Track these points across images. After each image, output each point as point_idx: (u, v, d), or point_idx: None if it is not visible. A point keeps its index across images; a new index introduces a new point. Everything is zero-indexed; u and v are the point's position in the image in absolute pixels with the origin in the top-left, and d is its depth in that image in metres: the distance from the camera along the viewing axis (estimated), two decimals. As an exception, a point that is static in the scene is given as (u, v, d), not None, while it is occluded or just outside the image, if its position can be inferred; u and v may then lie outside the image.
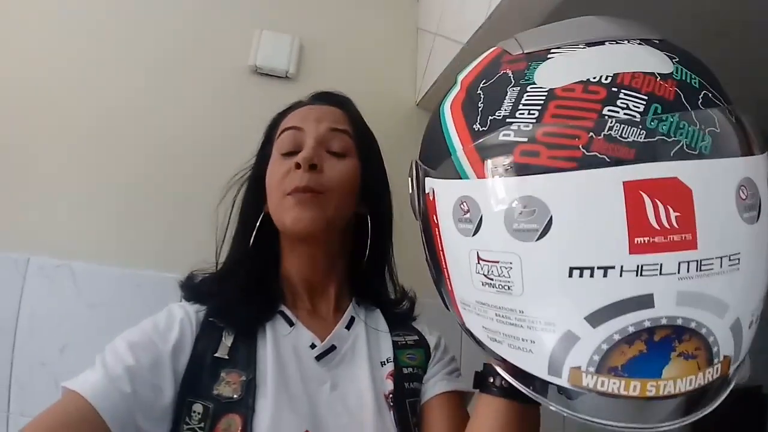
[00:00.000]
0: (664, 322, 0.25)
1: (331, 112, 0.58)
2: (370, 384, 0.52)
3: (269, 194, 0.55)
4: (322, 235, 0.54)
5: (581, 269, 0.26)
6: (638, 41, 0.31)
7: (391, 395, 0.52)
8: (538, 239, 0.28)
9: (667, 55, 0.30)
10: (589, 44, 0.31)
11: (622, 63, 0.29)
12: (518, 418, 0.40)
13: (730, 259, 0.25)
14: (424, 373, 0.56)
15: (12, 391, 0.76)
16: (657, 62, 0.29)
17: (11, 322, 0.79)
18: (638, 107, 0.27)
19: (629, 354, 0.26)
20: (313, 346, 0.53)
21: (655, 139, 0.26)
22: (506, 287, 0.29)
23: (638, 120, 0.27)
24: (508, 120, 0.31)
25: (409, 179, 0.41)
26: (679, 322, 0.25)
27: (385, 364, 0.55)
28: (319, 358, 0.53)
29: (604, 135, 0.27)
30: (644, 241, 0.25)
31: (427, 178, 0.37)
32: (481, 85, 0.35)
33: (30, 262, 0.82)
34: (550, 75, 0.31)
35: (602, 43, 0.31)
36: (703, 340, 0.26)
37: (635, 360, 0.26)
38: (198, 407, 0.46)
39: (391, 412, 0.51)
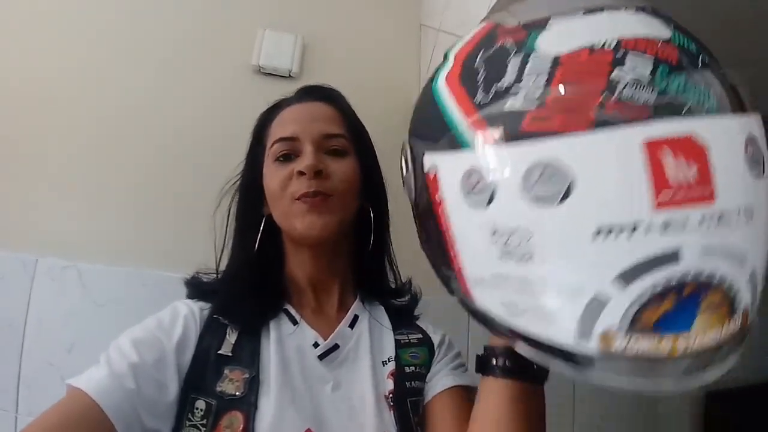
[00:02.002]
0: (691, 275, 0.25)
1: (321, 112, 0.57)
2: (371, 383, 0.52)
3: (272, 199, 0.55)
4: (332, 237, 0.53)
5: (607, 230, 0.26)
6: (633, 9, 0.32)
7: (391, 395, 0.51)
8: (558, 204, 0.27)
9: (663, 22, 0.31)
10: (587, 12, 0.32)
11: (623, 28, 0.30)
12: (524, 398, 0.40)
13: (745, 212, 0.26)
14: (428, 371, 0.55)
15: (20, 391, 0.76)
16: (656, 28, 0.30)
17: (20, 322, 0.79)
18: (646, 69, 0.27)
19: (660, 311, 0.26)
20: (316, 345, 0.53)
21: (667, 98, 0.26)
22: (527, 256, 0.28)
23: (647, 81, 0.27)
24: (513, 89, 0.30)
25: (402, 160, 0.40)
26: (706, 274, 0.25)
27: (386, 363, 0.54)
28: (322, 357, 0.53)
29: (617, 96, 0.27)
30: (668, 197, 0.25)
31: (426, 155, 0.35)
32: (479, 58, 0.34)
33: (38, 264, 0.82)
34: (554, 42, 0.30)
35: (601, 10, 0.32)
36: (726, 291, 0.26)
37: (666, 316, 0.26)
38: (201, 404, 0.46)
39: (392, 411, 0.50)
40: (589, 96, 0.27)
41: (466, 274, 0.33)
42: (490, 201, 0.30)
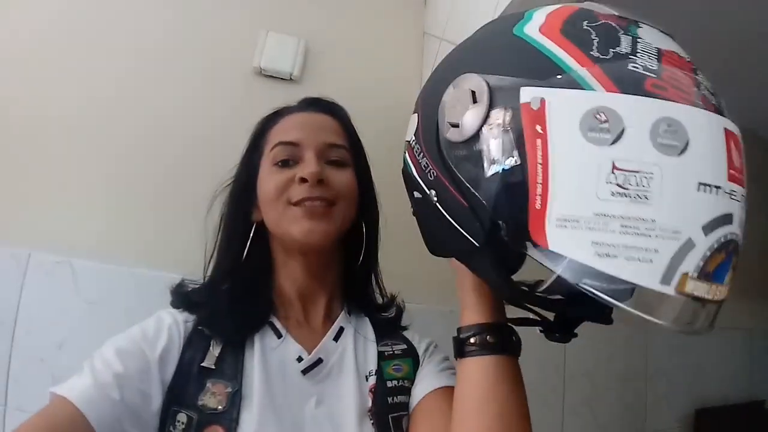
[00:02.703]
0: (736, 235, 0.32)
1: (325, 123, 0.57)
2: (354, 399, 0.51)
3: (266, 205, 0.54)
4: (329, 245, 0.53)
5: (705, 185, 0.31)
6: (659, 29, 0.38)
7: (370, 412, 0.51)
8: (678, 155, 0.31)
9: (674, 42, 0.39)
10: (641, 23, 0.37)
11: (671, 44, 0.37)
12: (506, 370, 0.41)
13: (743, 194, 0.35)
14: (412, 384, 0.54)
15: (9, 386, 0.77)
16: (677, 47, 0.37)
17: (10, 317, 0.79)
18: (708, 80, 0.35)
19: (717, 261, 0.32)
20: (299, 359, 0.52)
21: (717, 102, 0.34)
22: (643, 196, 0.31)
23: (711, 87, 0.35)
24: (631, 56, 0.34)
25: (471, 93, 0.37)
26: (737, 238, 0.33)
27: (368, 378, 0.54)
28: (305, 371, 0.52)
29: (703, 90, 0.34)
30: (733, 173, 0.32)
31: (524, 89, 0.34)
32: (584, 24, 0.37)
33: (30, 258, 0.81)
34: (651, 37, 0.36)
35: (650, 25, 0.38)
36: (738, 254, 0.34)
37: (719, 266, 0.32)
38: (182, 417, 0.46)
39: (373, 428, 0.50)
40: (690, 84, 0.34)
41: (553, 212, 0.33)
42: (616, 140, 0.31)
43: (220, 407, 0.46)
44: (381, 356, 0.55)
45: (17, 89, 0.86)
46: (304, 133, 0.54)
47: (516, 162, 0.34)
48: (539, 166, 0.33)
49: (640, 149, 0.31)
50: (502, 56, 0.39)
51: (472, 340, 0.42)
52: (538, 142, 0.33)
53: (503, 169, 0.35)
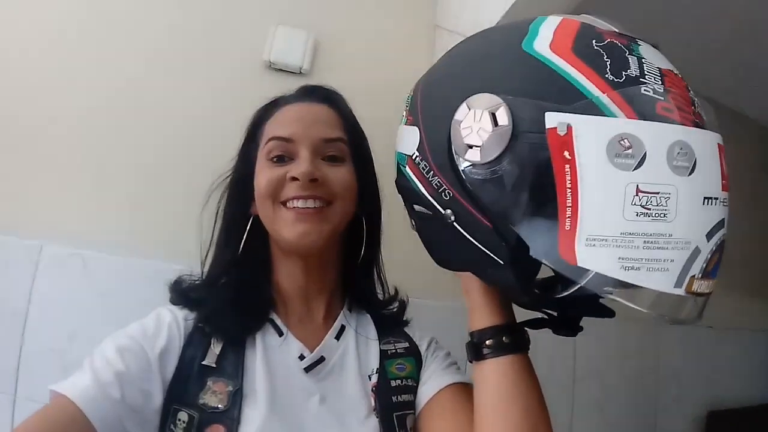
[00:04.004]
0: (725, 234, 0.38)
1: (322, 115, 0.54)
2: (357, 397, 0.51)
3: (259, 200, 0.53)
4: (325, 246, 0.52)
5: (708, 198, 0.36)
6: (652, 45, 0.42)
7: (374, 410, 0.51)
8: (688, 174, 0.35)
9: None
10: (639, 41, 0.40)
11: (665, 62, 0.40)
12: (522, 368, 0.43)
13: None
14: (416, 383, 0.54)
15: (20, 376, 0.78)
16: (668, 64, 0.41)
17: (22, 307, 0.81)
18: (698, 99, 0.39)
19: (715, 260, 0.37)
20: (302, 357, 0.52)
21: (708, 116, 0.39)
22: (662, 215, 0.34)
23: (703, 107, 0.39)
24: (641, 79, 0.36)
25: (490, 116, 0.38)
26: (724, 239, 0.38)
27: (371, 376, 0.53)
28: (307, 369, 0.51)
29: (697, 108, 0.38)
30: (724, 183, 0.37)
31: (549, 114, 0.36)
32: (594, 43, 0.38)
33: (43, 250, 0.82)
34: (651, 56, 0.39)
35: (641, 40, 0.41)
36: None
37: (715, 265, 0.37)
38: (183, 415, 0.46)
39: (378, 426, 0.50)
40: (688, 103, 0.37)
41: (583, 232, 0.36)
42: (638, 165, 0.34)
43: (221, 406, 0.46)
44: (384, 355, 0.55)
45: (31, 82, 0.86)
46: (299, 128, 0.52)
47: (544, 186, 0.36)
48: (568, 191, 0.35)
49: (659, 172, 0.34)
50: (517, 75, 0.40)
51: (488, 343, 0.43)
52: (567, 167, 0.35)
53: (531, 194, 0.37)
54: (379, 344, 0.55)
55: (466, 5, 0.97)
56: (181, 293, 0.53)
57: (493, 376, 0.42)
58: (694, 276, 0.36)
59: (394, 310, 0.61)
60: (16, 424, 0.41)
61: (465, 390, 0.52)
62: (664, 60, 0.40)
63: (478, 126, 0.39)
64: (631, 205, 0.34)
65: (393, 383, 0.53)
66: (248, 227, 0.53)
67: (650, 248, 0.35)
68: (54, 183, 0.86)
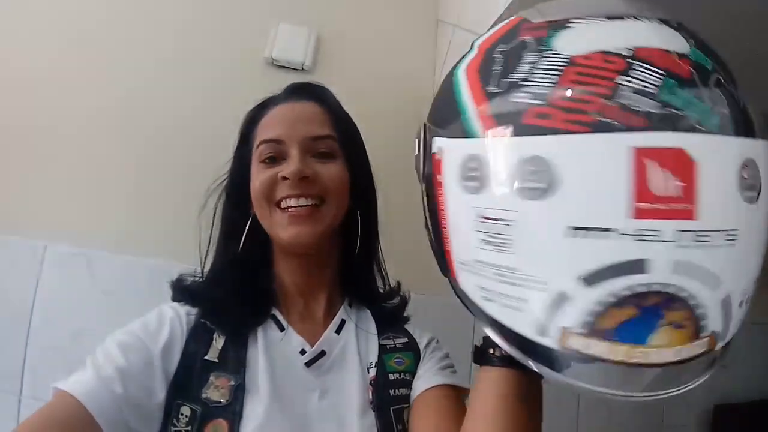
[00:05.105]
0: (656, 288, 0.26)
1: (310, 113, 0.55)
2: (357, 391, 0.52)
3: (255, 202, 0.54)
4: (321, 244, 0.53)
5: (581, 229, 0.27)
6: (657, 20, 0.32)
7: (371, 403, 0.51)
8: (542, 198, 0.28)
9: (684, 37, 0.31)
10: (610, 18, 0.32)
11: (642, 38, 0.30)
12: (520, 387, 0.39)
13: (728, 234, 0.26)
14: (413, 377, 0.54)
15: (25, 375, 0.78)
16: (675, 41, 0.30)
17: (27, 307, 0.81)
18: (654, 80, 0.28)
19: (619, 318, 0.27)
20: (303, 351, 0.53)
21: (667, 111, 0.27)
22: (506, 245, 0.30)
23: (652, 92, 0.27)
24: (523, 83, 0.31)
25: (416, 141, 0.41)
26: (671, 290, 0.26)
27: (369, 369, 0.54)
28: (309, 364, 0.52)
29: (618, 103, 0.27)
30: (646, 206, 0.26)
31: (435, 138, 0.37)
32: (498, 49, 0.35)
33: (47, 250, 0.83)
34: (571, 42, 0.31)
35: (622, 18, 0.32)
36: (692, 311, 0.26)
37: (624, 324, 0.27)
38: (186, 410, 0.46)
39: (375, 420, 0.50)
40: (593, 99, 0.28)
41: (454, 256, 0.35)
42: (481, 188, 0.31)
43: (223, 400, 0.47)
44: (382, 349, 0.55)
45: (34, 82, 0.88)
46: (288, 128, 0.53)
47: (434, 206, 0.37)
48: (441, 212, 0.36)
49: (501, 196, 0.30)
50: (436, 101, 0.41)
51: (491, 351, 0.40)
52: (439, 191, 0.36)
53: (428, 212, 0.39)
54: (379, 339, 0.56)
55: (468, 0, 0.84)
56: (183, 290, 0.54)
57: (487, 383, 0.40)
58: (569, 328, 0.28)
59: (395, 304, 0.60)
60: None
61: (454, 392, 0.51)
62: (604, 37, 0.30)
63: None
64: (476, 231, 0.32)
65: (391, 377, 0.53)
66: (248, 227, 0.55)
67: (500, 281, 0.31)
68: (58, 183, 0.86)
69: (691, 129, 0.26)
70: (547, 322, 0.29)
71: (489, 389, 0.39)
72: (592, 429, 1.01)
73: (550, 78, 0.30)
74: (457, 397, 0.51)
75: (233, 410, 0.46)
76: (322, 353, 0.53)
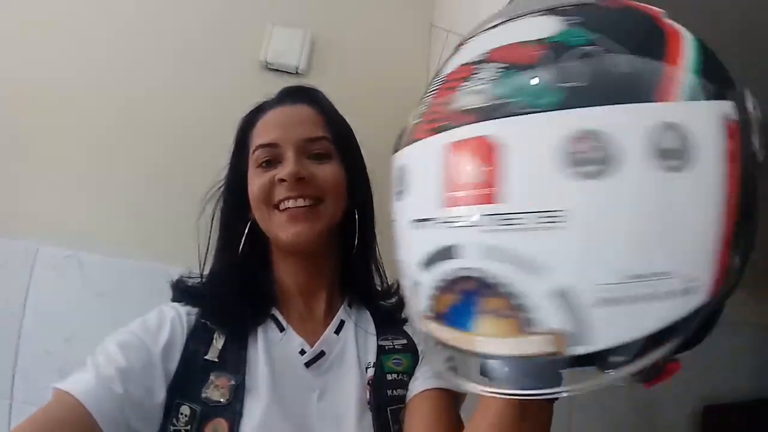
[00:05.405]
0: (464, 273, 0.27)
1: (303, 115, 0.56)
2: (355, 391, 0.52)
3: (253, 206, 0.55)
4: (319, 243, 0.54)
5: (417, 221, 0.30)
6: (545, 12, 0.30)
7: (369, 403, 0.52)
8: (400, 199, 0.33)
9: (566, 20, 0.29)
10: (495, 26, 0.32)
11: (502, 38, 0.30)
12: (529, 408, 0.36)
13: (547, 216, 0.24)
14: (410, 378, 0.55)
15: (16, 379, 0.78)
16: (540, 30, 0.29)
17: (18, 310, 0.81)
18: (491, 77, 0.28)
19: (446, 302, 0.28)
20: (302, 352, 0.53)
21: (490, 103, 0.27)
22: (397, 243, 0.34)
23: (485, 88, 0.28)
24: (420, 104, 0.34)
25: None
26: (476, 274, 0.26)
27: (367, 369, 0.55)
28: (308, 364, 0.53)
29: (455, 107, 0.29)
30: (453, 195, 0.27)
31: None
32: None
33: (39, 251, 0.84)
34: (452, 62, 0.34)
35: (505, 22, 0.32)
36: (508, 299, 0.25)
37: (452, 309, 0.28)
38: (185, 409, 0.47)
39: (372, 419, 0.51)
40: (439, 108, 0.31)
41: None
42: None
43: (223, 400, 0.47)
44: (381, 350, 0.55)
45: (31, 85, 0.89)
46: (282, 132, 0.54)
47: None
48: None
49: (393, 200, 0.34)
50: None
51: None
52: None
53: None
54: (378, 340, 0.56)
55: (463, 4, 0.87)
56: (184, 290, 0.55)
57: (493, 402, 0.37)
58: (423, 313, 0.32)
59: (393, 303, 0.60)
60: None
61: (447, 397, 0.51)
62: (474, 49, 0.32)
63: None
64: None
65: (389, 377, 0.54)
66: (246, 231, 0.55)
67: (401, 276, 0.35)
68: (50, 184, 0.86)
69: (510, 114, 0.26)
70: (416, 310, 0.32)
71: (493, 407, 0.37)
72: (585, 429, 1.00)
73: (430, 97, 0.33)
74: (451, 401, 0.51)
75: (233, 410, 0.47)
76: (322, 353, 0.54)
